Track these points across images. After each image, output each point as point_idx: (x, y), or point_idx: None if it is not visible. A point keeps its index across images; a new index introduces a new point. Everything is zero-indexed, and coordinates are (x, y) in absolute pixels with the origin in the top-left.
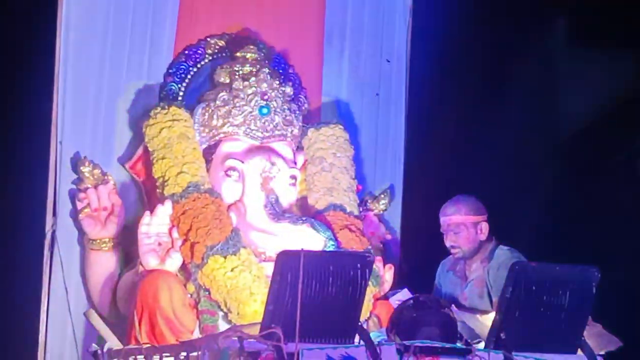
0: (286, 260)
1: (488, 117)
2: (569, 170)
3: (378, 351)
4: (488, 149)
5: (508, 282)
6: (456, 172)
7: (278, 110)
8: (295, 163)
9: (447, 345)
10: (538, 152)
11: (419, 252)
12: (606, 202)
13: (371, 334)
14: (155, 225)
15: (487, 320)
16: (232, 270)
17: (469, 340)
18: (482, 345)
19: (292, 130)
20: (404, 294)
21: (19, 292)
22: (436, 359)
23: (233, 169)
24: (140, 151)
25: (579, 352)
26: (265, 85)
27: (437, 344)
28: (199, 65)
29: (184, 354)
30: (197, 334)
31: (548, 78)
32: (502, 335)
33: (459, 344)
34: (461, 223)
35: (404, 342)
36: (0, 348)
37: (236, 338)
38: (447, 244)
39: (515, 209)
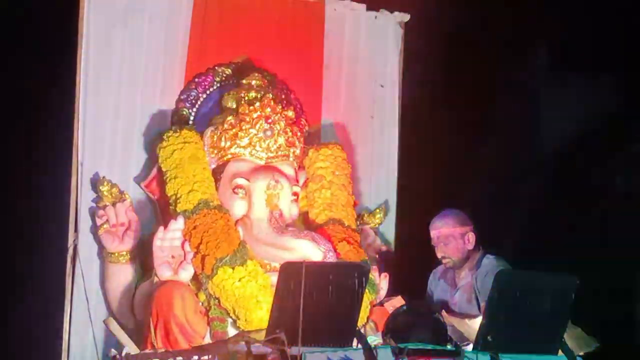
0: (289, 271)
1: (475, 136)
2: (549, 185)
3: (375, 353)
4: (475, 165)
5: (494, 288)
6: (446, 188)
7: (281, 132)
8: (297, 181)
9: (438, 348)
10: (521, 169)
11: (412, 262)
12: (584, 214)
13: (368, 338)
14: (169, 239)
15: (475, 324)
16: (239, 280)
17: (459, 343)
18: (470, 347)
19: (294, 151)
20: (398, 301)
21: (44, 302)
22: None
23: (240, 187)
24: (154, 171)
25: (560, 353)
26: (269, 109)
27: (429, 347)
28: (208, 92)
29: (196, 357)
30: (207, 339)
31: (532, 99)
32: (489, 337)
33: (449, 346)
34: (449, 235)
35: (399, 345)
36: (27, 353)
37: (244, 342)
38: (438, 255)
39: (501, 221)
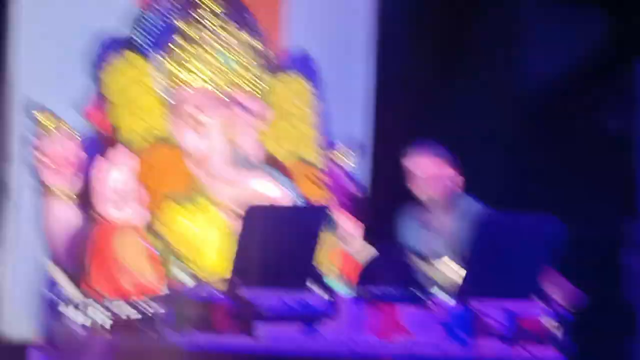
0: (249, 214)
1: (456, 71)
2: (532, 124)
3: (333, 296)
4: (457, 102)
5: (471, 231)
6: (428, 127)
7: (242, 60)
8: (259, 114)
9: (408, 295)
10: (502, 108)
11: (389, 207)
12: (567, 156)
13: (328, 281)
14: (112, 173)
15: (449, 268)
16: (190, 220)
17: (428, 289)
18: (442, 292)
19: (255, 81)
20: (362, 246)
21: None
22: (394, 306)
23: (193, 117)
24: (97, 98)
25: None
26: (226, 33)
27: (399, 294)
28: (158, 12)
29: (144, 305)
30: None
31: (516, 34)
32: (463, 282)
33: (418, 293)
34: (428, 173)
35: (368, 293)
36: None
37: (195, 288)
38: (414, 193)
39: (481, 162)
